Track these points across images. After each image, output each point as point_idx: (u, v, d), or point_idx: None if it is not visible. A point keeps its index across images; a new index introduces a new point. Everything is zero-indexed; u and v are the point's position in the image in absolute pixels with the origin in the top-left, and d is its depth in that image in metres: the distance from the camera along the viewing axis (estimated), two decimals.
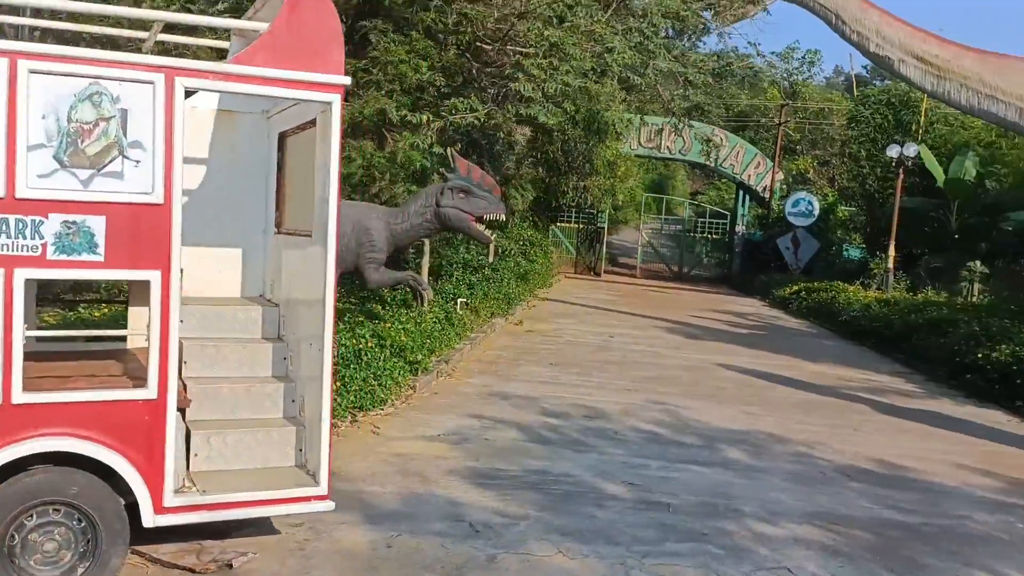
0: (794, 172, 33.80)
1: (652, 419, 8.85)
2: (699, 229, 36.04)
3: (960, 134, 25.24)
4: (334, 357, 5.54)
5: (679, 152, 33.11)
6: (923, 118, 25.52)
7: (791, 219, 29.66)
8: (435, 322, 11.81)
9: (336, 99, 4.45)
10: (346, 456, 6.50)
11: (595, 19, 9.95)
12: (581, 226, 33.50)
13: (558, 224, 33.36)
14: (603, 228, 32.89)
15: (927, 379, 12.97)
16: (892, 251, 20.58)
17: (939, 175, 23.49)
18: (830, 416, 9.70)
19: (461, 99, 10.10)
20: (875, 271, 21.80)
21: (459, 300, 14.31)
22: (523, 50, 9.84)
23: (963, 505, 6.76)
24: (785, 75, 36.53)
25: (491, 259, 18.55)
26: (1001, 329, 12.44)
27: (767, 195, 32.05)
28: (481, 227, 9.03)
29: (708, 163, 33.43)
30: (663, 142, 32.99)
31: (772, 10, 25.54)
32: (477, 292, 15.57)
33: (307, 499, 4.58)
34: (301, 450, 4.91)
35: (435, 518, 5.54)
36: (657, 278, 33.82)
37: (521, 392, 9.74)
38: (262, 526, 5.03)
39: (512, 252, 20.80)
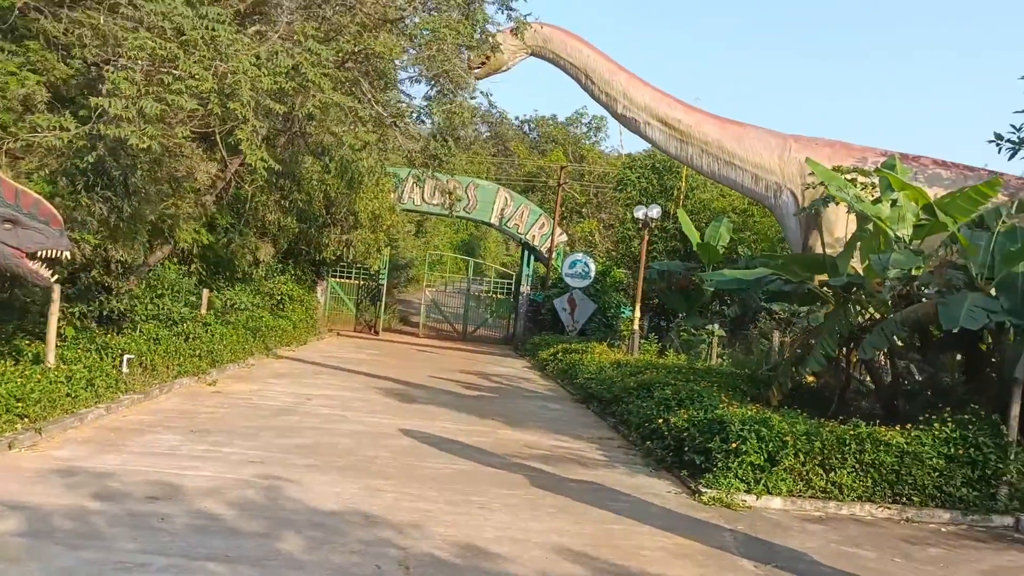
0: (579, 234, 34.03)
1: (235, 499, 7.48)
2: (493, 289, 35.49)
3: (719, 201, 25.86)
4: None
5: (464, 210, 32.54)
6: (684, 183, 26.01)
7: (568, 280, 29.53)
8: (57, 381, 10.08)
9: None
10: None
11: (227, 34, 8.73)
12: (362, 282, 32.20)
13: (337, 279, 31.90)
14: (383, 285, 31.67)
15: (623, 445, 12.33)
16: (637, 313, 20.43)
17: (694, 238, 23.81)
18: (469, 492, 8.65)
19: (45, 115, 8.61)
20: (624, 333, 21.58)
21: (126, 356, 12.57)
22: (127, 64, 8.50)
23: None
24: (572, 139, 37.01)
25: (204, 311, 16.84)
26: (690, 394, 11.95)
27: (550, 256, 31.92)
28: (36, 265, 7.50)
29: (493, 223, 33.12)
30: (447, 198, 32.38)
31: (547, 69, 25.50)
32: (165, 347, 13.85)
33: None
34: None
35: None
36: (441, 338, 32.89)
37: (106, 466, 8.18)
38: None
39: (245, 306, 19.09)
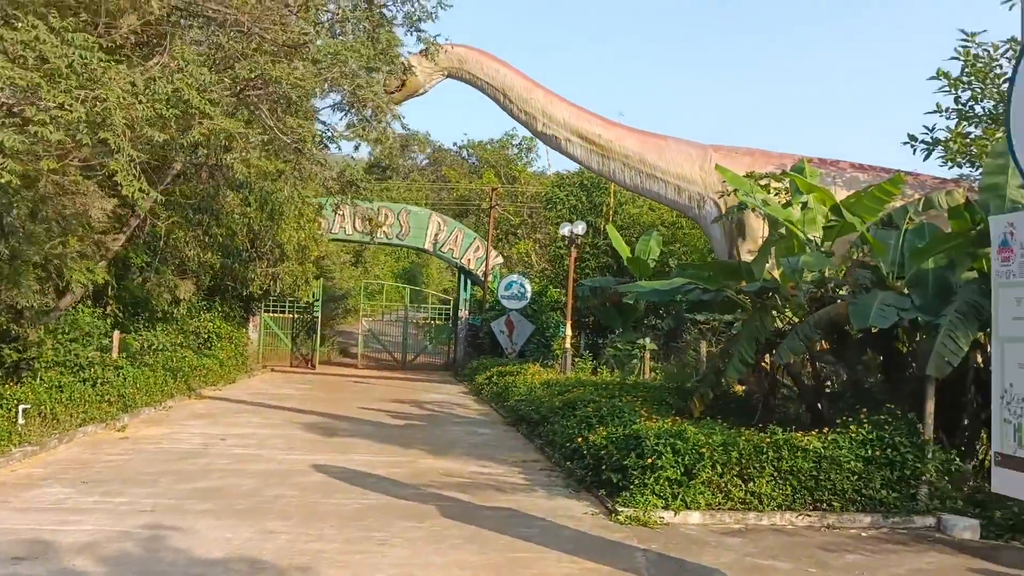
0: (516, 256, 33.81)
1: (111, 554, 6.97)
2: (432, 316, 35.05)
3: (648, 215, 25.85)
4: None
5: (396, 237, 32.16)
6: (612, 199, 25.97)
7: (504, 302, 29.17)
8: None
9: None
10: None
11: (98, 63, 8.28)
12: (296, 316, 31.56)
13: (271, 314, 31.22)
14: (317, 317, 31.06)
15: (547, 467, 12.00)
16: (568, 331, 20.20)
17: (625, 253, 23.71)
18: (372, 528, 8.23)
19: None
20: (557, 352, 21.33)
21: (21, 407, 11.92)
22: None
23: None
24: (505, 161, 36.89)
25: (115, 354, 16.16)
26: (612, 410, 11.70)
27: (486, 279, 31.63)
28: None
29: (427, 248, 32.76)
30: (368, 226, 31.98)
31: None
32: (68, 394, 13.21)
33: None
34: None
35: None
36: (381, 368, 32.39)
37: None
38: None
39: (164, 346, 18.42)
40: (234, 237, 22.77)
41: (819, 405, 12.35)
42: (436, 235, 32.31)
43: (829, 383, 13.04)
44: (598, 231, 25.82)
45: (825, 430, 9.94)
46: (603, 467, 10.06)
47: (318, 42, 13.96)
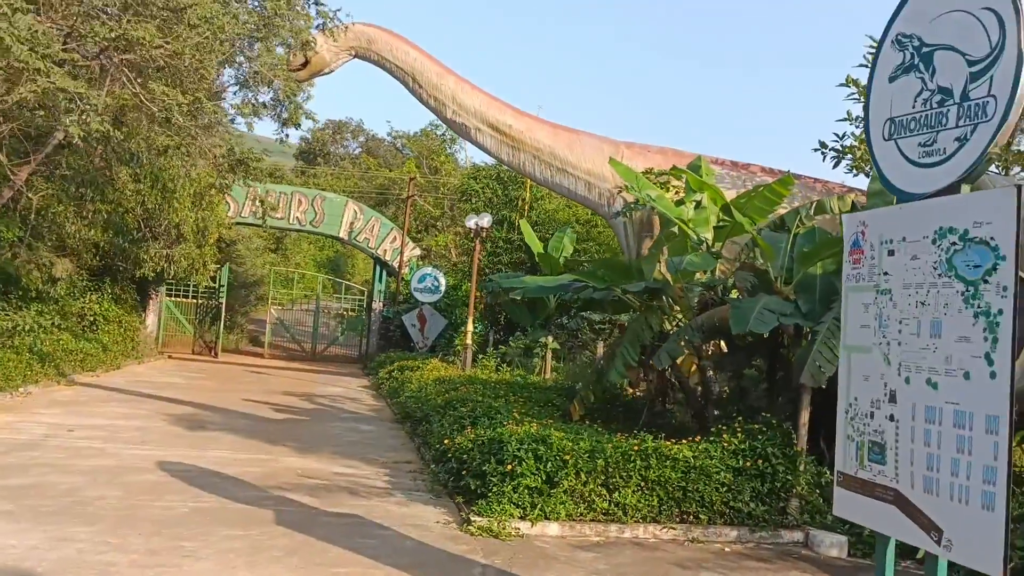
0: (434, 248, 33.04)
1: None
2: (349, 307, 34.08)
3: (564, 211, 25.33)
4: None
5: (310, 224, 31.13)
6: (528, 194, 25.38)
7: (417, 295, 28.44)
8: None
9: None
10: None
11: None
12: (201, 301, 30.34)
13: (173, 298, 29.95)
14: (222, 303, 29.88)
15: (417, 470, 11.31)
16: (470, 326, 19.55)
17: (537, 249, 23.11)
18: (188, 536, 7.43)
19: None
20: (458, 347, 20.67)
21: None
22: None
23: None
24: (428, 151, 36.03)
25: None
26: (487, 411, 11.06)
27: (400, 270, 30.83)
28: None
29: (342, 236, 31.78)
30: (292, 212, 30.95)
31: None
32: None
33: None
34: None
35: None
36: (289, 358, 31.39)
37: None
38: None
39: (32, 327, 17.20)
40: (125, 215, 21.53)
41: (705, 412, 11.91)
42: (352, 223, 31.40)
43: (717, 389, 12.61)
44: (513, 226, 25.20)
45: (697, 438, 9.44)
46: (463, 472, 9.41)
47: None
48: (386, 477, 10.76)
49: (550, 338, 19.07)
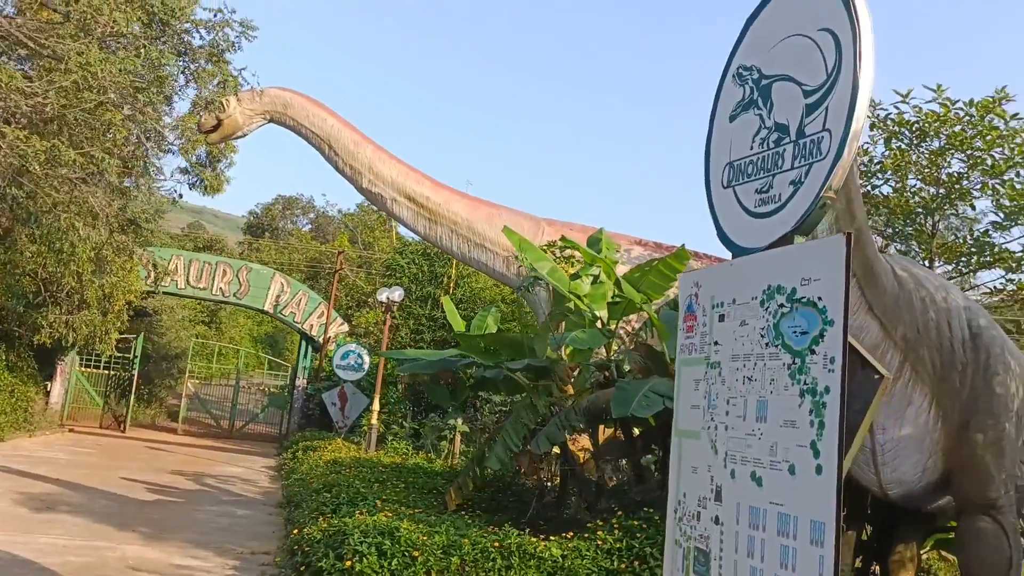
0: (363, 325, 31.99)
1: None
2: (273, 384, 32.67)
3: (491, 290, 24.56)
4: None
5: (234, 295, 29.98)
6: (454, 270, 24.60)
7: (339, 372, 27.21)
8: None
9: None
10: None
11: None
12: (114, 373, 28.83)
13: (84, 368, 28.42)
14: (133, 375, 28.38)
15: (272, 563, 10.07)
16: (376, 405, 18.45)
17: (459, 327, 22.17)
18: None
19: None
20: (364, 427, 19.49)
21: None
22: None
23: None
24: (364, 226, 35.29)
25: None
26: (353, 497, 9.94)
27: (324, 345, 29.67)
28: None
29: (267, 310, 30.64)
30: (216, 283, 29.83)
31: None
32: None
33: None
34: None
35: None
36: (205, 435, 29.75)
37: None
38: None
39: None
40: (22, 277, 20.29)
41: (600, 503, 10.89)
42: (278, 296, 30.34)
43: (616, 478, 11.64)
44: (437, 303, 24.32)
45: (570, 534, 8.42)
46: (302, 569, 8.26)
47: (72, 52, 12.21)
48: (231, 571, 9.52)
49: (459, 420, 17.98)
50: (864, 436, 3.55)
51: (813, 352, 3.44)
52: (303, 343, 31.27)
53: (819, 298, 3.45)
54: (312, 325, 30.45)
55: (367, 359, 27.08)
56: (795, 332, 3.56)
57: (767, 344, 3.73)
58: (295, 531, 9.36)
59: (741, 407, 3.87)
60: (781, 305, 3.67)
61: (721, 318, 4.14)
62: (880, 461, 7.63)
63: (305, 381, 30.72)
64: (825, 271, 3.43)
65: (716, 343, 4.15)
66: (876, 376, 3.28)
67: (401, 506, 10.02)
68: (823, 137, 3.73)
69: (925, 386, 7.41)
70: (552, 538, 8.29)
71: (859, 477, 7.88)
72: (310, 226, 75.70)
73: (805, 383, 3.46)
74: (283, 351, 53.47)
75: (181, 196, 17.11)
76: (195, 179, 20.78)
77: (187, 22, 13.68)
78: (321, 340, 30.01)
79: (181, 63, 14.87)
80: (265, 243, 56.60)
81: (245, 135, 19.17)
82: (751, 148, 4.25)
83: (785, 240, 3.88)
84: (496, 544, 7.98)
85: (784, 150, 3.99)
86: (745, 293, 3.95)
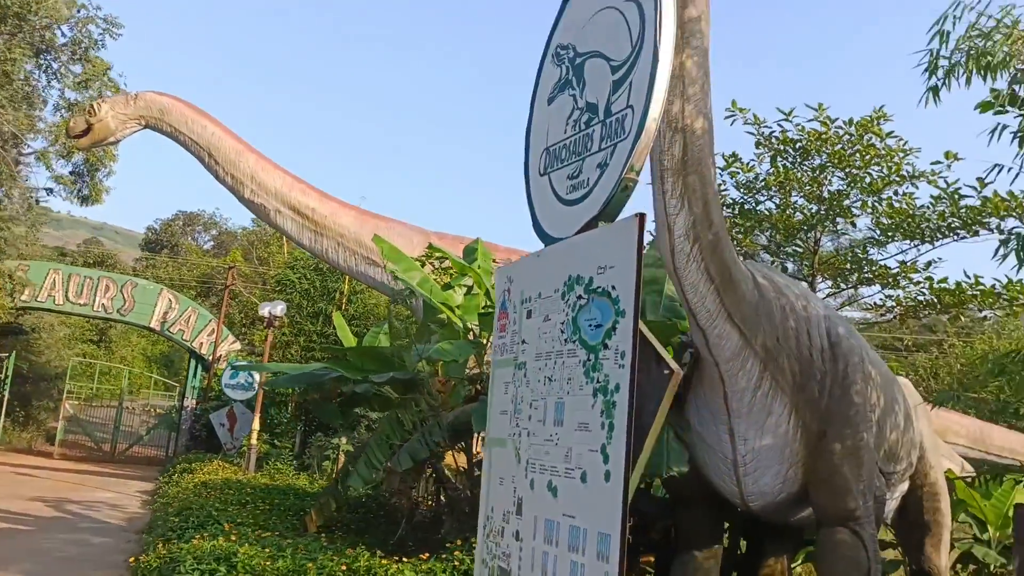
0: (257, 343, 30.91)
1: None
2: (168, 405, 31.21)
3: (386, 306, 23.97)
4: None
5: (118, 312, 28.60)
6: (346, 286, 23.95)
7: (228, 392, 26.13)
8: None
9: None
10: None
11: None
12: None
13: None
14: (3, 396, 26.72)
15: None
16: (256, 424, 17.63)
17: (350, 344, 21.52)
18: None
19: None
20: (243, 447, 18.66)
21: None
22: None
23: None
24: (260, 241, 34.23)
25: None
26: (205, 520, 9.27)
27: (213, 364, 28.52)
28: None
29: (154, 327, 29.30)
30: (98, 298, 28.37)
31: None
32: None
33: None
34: None
35: None
36: (85, 459, 28.15)
37: None
38: None
39: None
40: None
41: (474, 522, 10.44)
42: (165, 313, 29.06)
43: None
44: (329, 319, 23.60)
45: (425, 556, 7.97)
46: None
47: None
48: None
49: (343, 439, 17.34)
50: (655, 440, 3.22)
51: (606, 347, 3.11)
52: (193, 362, 30.05)
53: (613, 287, 3.12)
54: (202, 343, 29.26)
55: (258, 378, 26.09)
56: (591, 325, 3.23)
57: (566, 340, 3.40)
58: (132, 559, 8.64)
59: (542, 410, 3.52)
60: (579, 297, 3.35)
61: (529, 314, 3.79)
62: (742, 472, 7.43)
63: (194, 401, 29.47)
64: (618, 257, 3.11)
65: (524, 342, 3.80)
66: (667, 371, 2.98)
67: (258, 529, 9.40)
68: (627, 115, 3.44)
69: (785, 396, 7.23)
70: (405, 560, 7.81)
71: (721, 489, 7.68)
72: (212, 243, 73.58)
73: (598, 381, 3.13)
74: (179, 371, 51.49)
75: (40, 202, 16.05)
76: (72, 188, 19.72)
77: (46, 17, 12.80)
78: (211, 358, 28.84)
79: (43, 61, 13.95)
80: (162, 259, 54.60)
81: (118, 141, 18.21)
82: (565, 132, 3.94)
83: (590, 227, 3.56)
84: (344, 568, 7.46)
85: (593, 131, 3.69)
86: (549, 286, 3.61)
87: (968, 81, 7.27)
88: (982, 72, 7.17)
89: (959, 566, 12.22)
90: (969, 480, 7.35)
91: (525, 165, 4.31)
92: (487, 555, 3.90)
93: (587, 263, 3.32)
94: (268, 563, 7.38)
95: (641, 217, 3.04)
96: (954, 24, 7.04)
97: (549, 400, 3.45)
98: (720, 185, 16.95)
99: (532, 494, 3.49)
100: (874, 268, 16.12)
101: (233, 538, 8.18)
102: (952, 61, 7.24)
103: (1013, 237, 7.10)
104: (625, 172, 3.37)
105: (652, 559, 10.40)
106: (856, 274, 16.64)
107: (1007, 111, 7.37)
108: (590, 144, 3.69)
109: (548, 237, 3.97)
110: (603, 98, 3.64)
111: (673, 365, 2.98)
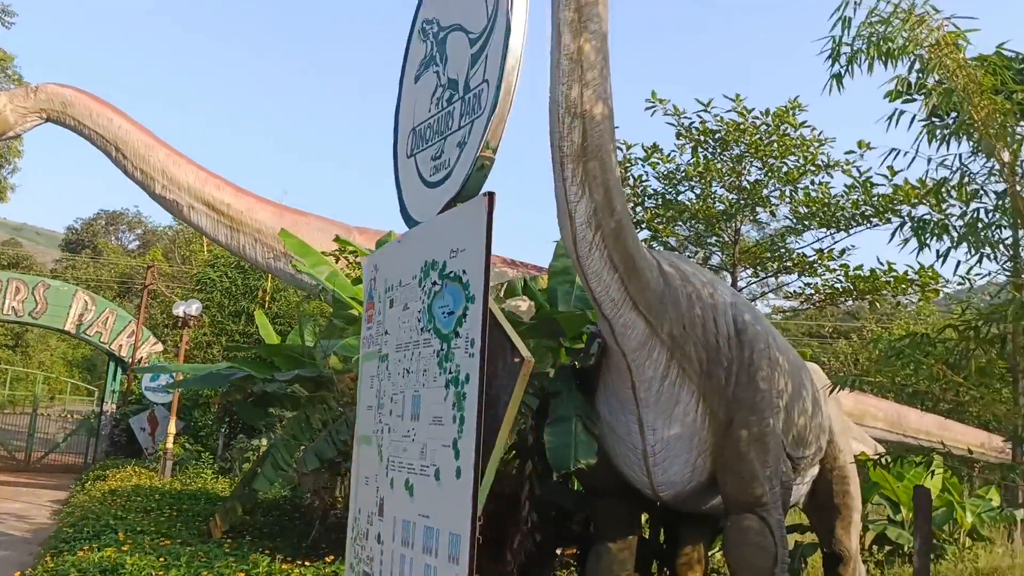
0: (185, 347, 30.03)
1: None
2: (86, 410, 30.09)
3: (311, 304, 23.49)
4: None
5: (29, 315, 27.44)
6: (269, 283, 23.40)
7: (148, 395, 25.32)
8: None
9: None
10: None
11: None
12: None
13: None
14: None
15: None
16: (172, 427, 17.07)
17: (273, 343, 21.02)
18: None
19: None
20: (160, 452, 18.07)
21: None
22: None
23: None
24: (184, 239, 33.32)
25: None
26: (100, 529, 8.84)
27: (131, 365, 27.61)
28: None
29: (68, 330, 28.22)
30: (8, 301, 27.20)
31: None
32: None
33: None
34: None
35: None
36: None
37: None
38: None
39: None
40: None
41: None
42: (81, 315, 27.97)
43: None
44: (252, 318, 23.02)
45: (330, 559, 7.70)
46: None
47: None
48: None
49: (264, 440, 16.89)
50: (508, 433, 3.05)
51: (457, 335, 2.92)
52: (112, 365, 29.05)
53: (464, 271, 2.93)
54: (121, 345, 28.28)
55: (174, 380, 25.36)
56: (444, 313, 3.03)
57: (422, 329, 3.20)
58: (18, 574, 8.19)
59: (400, 404, 3.31)
60: (434, 283, 3.15)
61: (391, 303, 3.58)
62: (651, 463, 7.34)
63: (114, 406, 28.50)
64: (468, 240, 2.92)
65: (386, 332, 3.59)
66: (516, 360, 2.82)
67: (160, 537, 9.00)
68: (483, 89, 3.25)
69: (692, 384, 7.15)
70: (308, 564, 7.54)
71: (632, 479, 7.58)
72: (137, 242, 71.62)
73: (450, 372, 2.94)
74: (102, 375, 49.93)
75: None
76: None
77: None
78: (130, 361, 27.92)
79: None
80: (82, 260, 52.87)
81: (18, 135, 17.43)
82: (429, 111, 3.73)
83: (449, 209, 3.36)
84: (241, 574, 7.15)
85: (454, 108, 3.49)
86: (408, 273, 3.40)
87: (870, 67, 7.22)
88: (883, 58, 7.14)
89: (874, 547, 12.42)
90: (877, 459, 7.38)
91: (394, 148, 4.09)
92: (354, 559, 3.68)
93: (441, 247, 3.12)
94: (160, 573, 7.03)
95: (490, 196, 2.86)
96: (855, 10, 7.01)
97: (407, 393, 3.25)
98: (641, 176, 17.00)
99: (392, 494, 3.28)
100: (792, 256, 16.33)
101: (125, 548, 7.79)
102: (854, 48, 7.21)
103: (909, 221, 7.14)
104: (480, 150, 3.18)
105: (575, 551, 10.31)
106: (776, 263, 16.83)
107: (914, 99, 7.38)
108: (451, 122, 3.50)
109: (413, 222, 3.77)
110: (463, 73, 3.45)
111: (524, 353, 2.81)
